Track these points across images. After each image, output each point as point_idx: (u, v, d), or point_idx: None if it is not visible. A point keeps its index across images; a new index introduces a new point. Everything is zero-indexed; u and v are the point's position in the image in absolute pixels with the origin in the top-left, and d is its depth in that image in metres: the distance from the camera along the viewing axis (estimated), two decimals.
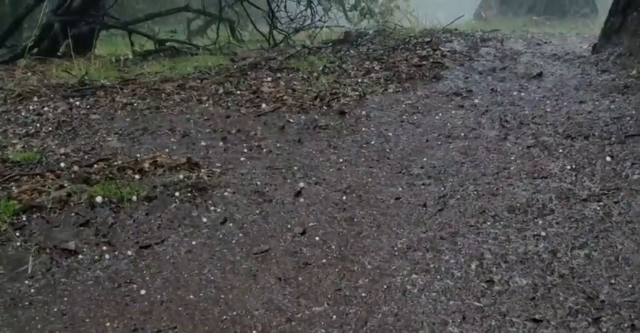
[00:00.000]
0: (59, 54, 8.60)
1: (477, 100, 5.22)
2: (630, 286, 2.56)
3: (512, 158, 3.97)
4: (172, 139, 4.84)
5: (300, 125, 4.98)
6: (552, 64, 6.38)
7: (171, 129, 5.07)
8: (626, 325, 2.32)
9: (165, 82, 6.67)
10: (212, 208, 3.51)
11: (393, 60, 6.69)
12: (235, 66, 7.30)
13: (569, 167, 3.72)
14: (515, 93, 5.39)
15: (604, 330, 2.32)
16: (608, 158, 3.77)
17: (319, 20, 10.11)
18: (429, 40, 7.64)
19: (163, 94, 6.13)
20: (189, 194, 3.64)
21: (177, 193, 3.63)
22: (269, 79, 6.49)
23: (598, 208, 3.22)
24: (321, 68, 6.71)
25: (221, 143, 4.72)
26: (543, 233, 3.02)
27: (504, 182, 3.64)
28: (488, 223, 3.18)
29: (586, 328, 2.34)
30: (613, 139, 4.05)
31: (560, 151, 3.99)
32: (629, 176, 3.51)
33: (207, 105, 5.74)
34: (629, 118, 4.37)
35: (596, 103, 4.87)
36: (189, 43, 9.97)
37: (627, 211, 3.16)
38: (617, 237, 2.94)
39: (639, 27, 6.14)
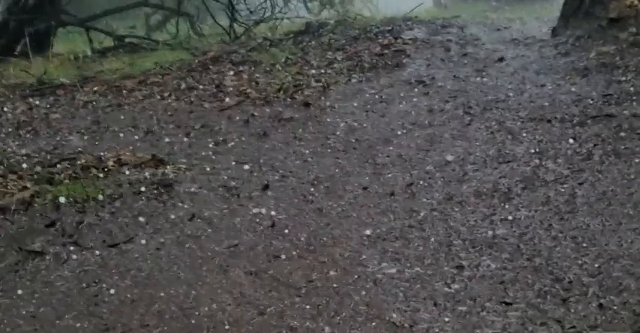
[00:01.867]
0: (16, 53, 8.47)
1: (439, 87, 5.24)
2: (597, 265, 2.59)
3: (477, 144, 4.00)
4: (136, 136, 4.79)
5: (265, 118, 4.96)
6: (513, 49, 6.43)
7: (134, 126, 5.02)
8: (594, 305, 2.35)
9: (126, 78, 6.60)
10: (179, 204, 3.48)
11: (355, 50, 6.69)
12: (197, 60, 7.24)
13: (533, 151, 3.76)
14: (477, 78, 5.43)
15: (572, 310, 2.34)
16: (571, 140, 3.81)
17: (279, 12, 10.06)
18: (389, 28, 7.65)
19: (124, 91, 6.06)
20: (155, 191, 3.61)
21: (143, 190, 3.59)
22: (231, 72, 6.45)
23: (563, 191, 3.25)
24: (283, 60, 6.68)
25: (185, 139, 4.68)
26: (510, 217, 3.05)
27: (470, 168, 3.66)
28: (456, 209, 3.20)
29: (555, 309, 2.36)
30: (575, 121, 4.10)
31: (524, 135, 4.03)
32: (592, 157, 3.56)
33: (169, 100, 5.69)
34: (590, 100, 4.43)
35: (558, 85, 4.93)
36: (149, 39, 9.86)
37: (592, 192, 3.20)
38: (582, 218, 2.98)
39: (595, 10, 6.22)
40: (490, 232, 2.94)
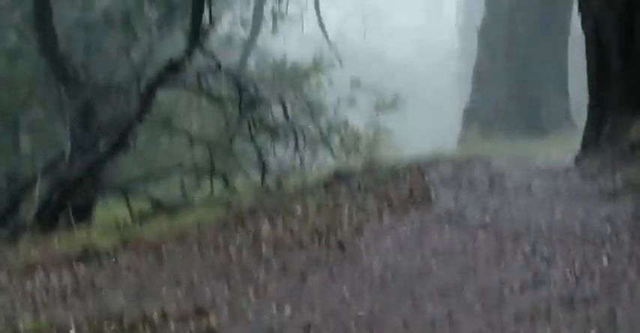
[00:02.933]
0: (60, 224, 8.81)
1: (470, 220, 5.35)
2: None
3: (512, 270, 4.05)
4: (178, 292, 4.90)
5: (302, 262, 5.06)
6: (539, 179, 6.59)
7: (176, 282, 5.14)
8: None
9: (165, 238, 6.81)
10: None
11: (383, 190, 6.89)
12: (232, 214, 7.47)
13: (569, 272, 3.79)
14: (506, 208, 5.54)
15: None
16: (605, 261, 3.85)
17: (308, 162, 10.46)
18: (416, 167, 7.89)
19: (164, 250, 6.24)
20: None
21: None
22: (266, 222, 6.64)
23: (602, 310, 3.27)
24: (315, 207, 6.88)
25: (226, 289, 4.78)
26: None
27: (508, 294, 3.70)
28: None
29: None
30: (607, 243, 4.16)
31: (559, 258, 4.08)
32: (627, 275, 3.59)
33: (208, 255, 5.84)
34: (620, 222, 4.50)
35: (587, 209, 5.03)
36: (185, 198, 10.22)
37: (630, 309, 3.21)
38: None
39: (616, 135, 6.42)
40: None
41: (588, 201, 5.23)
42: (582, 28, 6.91)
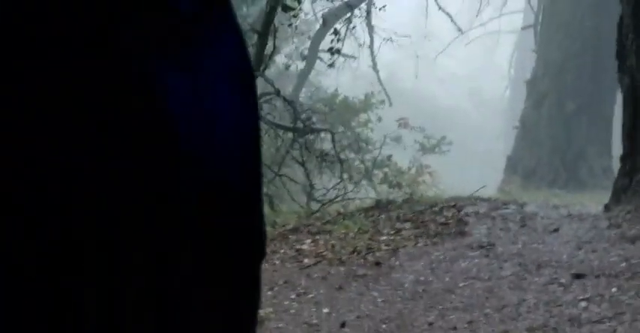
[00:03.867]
0: None
1: (499, 251, 5.79)
2: None
3: (531, 293, 4.49)
4: None
5: (341, 275, 5.55)
6: (568, 223, 6.98)
7: None
8: None
9: None
10: None
11: (421, 220, 7.36)
12: (276, 231, 8.00)
13: (580, 298, 4.23)
14: (534, 245, 5.96)
15: None
16: (614, 289, 4.28)
17: (351, 191, 10.97)
18: (454, 204, 8.34)
19: None
20: None
21: None
22: (309, 240, 7.16)
23: (605, 328, 3.71)
24: (356, 230, 7.38)
25: (270, 293, 5.29)
26: None
27: (524, 310, 4.15)
28: None
29: None
30: (620, 276, 4.58)
31: (574, 286, 4.51)
32: (632, 303, 4.02)
33: None
34: (635, 261, 4.92)
35: (607, 250, 5.42)
36: None
37: (630, 329, 3.64)
38: None
39: None
40: None
41: (610, 243, 5.64)
42: (620, 84, 7.36)
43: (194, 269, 0.66)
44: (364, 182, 13.76)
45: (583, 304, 4.12)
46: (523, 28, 24.96)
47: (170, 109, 0.65)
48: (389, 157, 15.58)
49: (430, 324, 4.07)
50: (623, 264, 4.85)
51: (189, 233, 0.66)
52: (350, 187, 11.58)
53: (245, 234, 0.71)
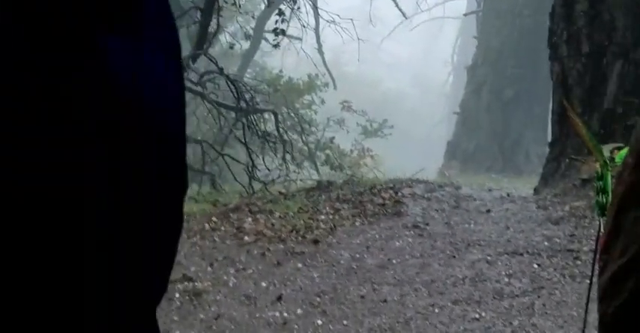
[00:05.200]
0: None
1: (432, 230, 6.02)
2: None
3: (459, 269, 4.72)
4: None
5: (279, 252, 5.70)
6: (500, 204, 7.26)
7: None
8: None
9: None
10: (207, 307, 4.17)
11: (360, 201, 7.56)
12: (218, 210, 8.10)
13: (504, 273, 4.47)
14: (466, 225, 6.21)
15: None
16: (535, 266, 4.54)
17: (293, 171, 11.10)
18: (392, 186, 8.56)
19: None
20: (187, 298, 4.31)
21: (177, 296, 4.30)
22: (250, 219, 7.27)
23: (524, 301, 3.94)
24: (296, 210, 7.52)
25: (210, 268, 5.41)
26: (477, 316, 3.73)
27: (451, 285, 4.37)
28: (436, 311, 3.88)
29: None
30: (542, 254, 4.85)
31: (499, 263, 4.76)
32: (551, 279, 4.27)
33: (194, 240, 6.46)
34: (557, 240, 5.19)
35: (533, 230, 5.70)
36: None
37: (547, 302, 3.89)
38: (538, 320, 3.65)
39: (571, 172, 7.14)
40: (462, 327, 3.61)
41: (536, 224, 5.92)
42: (550, 72, 7.66)
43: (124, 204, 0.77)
44: (307, 164, 13.92)
45: (506, 279, 4.36)
46: (465, 15, 25.33)
47: (112, 67, 0.75)
48: (332, 140, 15.76)
49: (362, 297, 4.25)
50: (546, 243, 5.12)
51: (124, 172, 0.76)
52: (293, 168, 11.71)
53: (176, 172, 0.83)
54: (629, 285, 1.13)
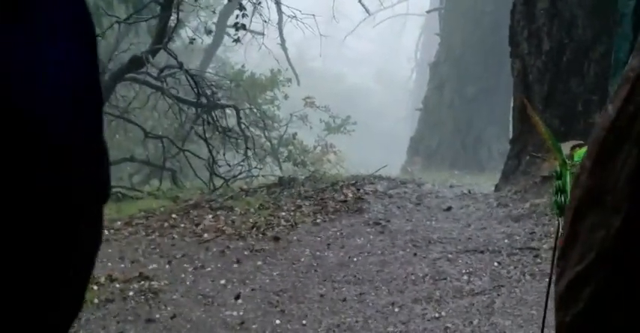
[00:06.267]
0: None
1: (393, 227, 6.00)
2: None
3: (420, 267, 4.69)
4: (122, 265, 5.41)
5: (239, 249, 5.62)
6: (461, 201, 7.27)
7: (121, 257, 5.64)
8: None
9: (113, 221, 7.29)
10: (163, 307, 4.08)
11: (321, 197, 7.51)
12: (178, 206, 7.99)
13: (464, 271, 4.46)
14: (427, 222, 6.20)
15: None
16: (496, 264, 4.53)
17: (255, 167, 11.01)
18: (354, 182, 8.54)
19: (112, 230, 6.73)
20: (142, 297, 4.21)
21: (132, 295, 4.20)
22: (210, 215, 7.19)
23: (484, 299, 3.93)
24: (257, 206, 7.45)
25: (167, 266, 5.31)
26: (437, 315, 3.70)
27: (411, 283, 4.34)
28: (396, 310, 3.84)
29: None
30: (502, 252, 4.85)
31: (460, 261, 4.74)
32: (511, 277, 4.27)
33: (153, 237, 6.35)
34: (517, 237, 5.20)
35: (494, 228, 5.71)
36: (134, 189, 10.67)
37: (508, 300, 3.88)
38: (498, 318, 3.63)
39: (531, 169, 7.18)
40: (421, 326, 3.58)
41: (497, 221, 5.94)
42: (511, 69, 7.69)
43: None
44: (269, 160, 13.83)
45: (466, 277, 4.35)
46: (428, 12, 25.42)
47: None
48: (294, 136, 15.68)
49: (322, 296, 4.20)
50: (506, 241, 5.13)
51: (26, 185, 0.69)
52: (254, 164, 11.62)
53: (83, 179, 0.76)
54: (586, 293, 1.09)
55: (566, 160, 2.39)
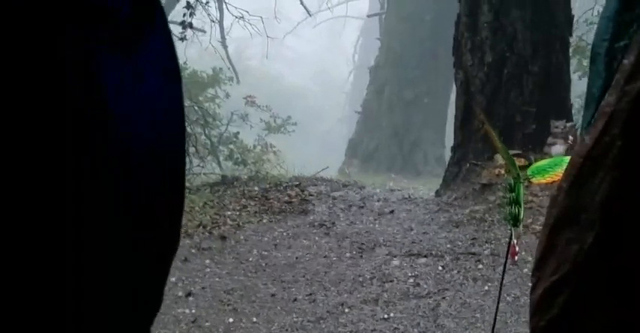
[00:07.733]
0: None
1: (338, 229, 6.14)
2: None
3: (367, 269, 4.85)
4: None
5: (186, 248, 5.67)
6: (403, 205, 7.47)
7: None
8: None
9: None
10: None
11: (266, 198, 7.60)
12: None
13: (410, 274, 4.63)
14: (371, 225, 6.36)
15: None
16: (440, 268, 4.72)
17: (197, 166, 11.00)
18: (297, 183, 8.65)
19: None
20: None
21: None
22: None
23: (430, 302, 4.10)
24: (202, 204, 7.49)
25: None
26: (386, 316, 3.85)
27: (359, 284, 4.49)
28: (346, 311, 3.98)
29: None
30: (446, 256, 5.04)
31: (405, 264, 4.91)
32: (455, 281, 4.45)
33: None
34: (459, 242, 5.41)
35: (436, 232, 5.90)
36: None
37: (452, 303, 4.06)
38: (444, 321, 3.81)
39: (471, 176, 7.42)
40: (371, 326, 3.73)
41: (439, 226, 6.14)
42: (455, 79, 7.94)
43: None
44: (210, 158, 13.78)
45: (411, 280, 4.52)
46: (369, 16, 25.68)
47: (110, 96, 0.77)
48: (235, 134, 15.65)
49: (273, 295, 4.31)
50: (449, 245, 5.32)
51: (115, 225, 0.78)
52: (196, 161, 11.60)
53: (163, 222, 0.85)
54: (560, 300, 1.23)
55: (520, 175, 2.56)
